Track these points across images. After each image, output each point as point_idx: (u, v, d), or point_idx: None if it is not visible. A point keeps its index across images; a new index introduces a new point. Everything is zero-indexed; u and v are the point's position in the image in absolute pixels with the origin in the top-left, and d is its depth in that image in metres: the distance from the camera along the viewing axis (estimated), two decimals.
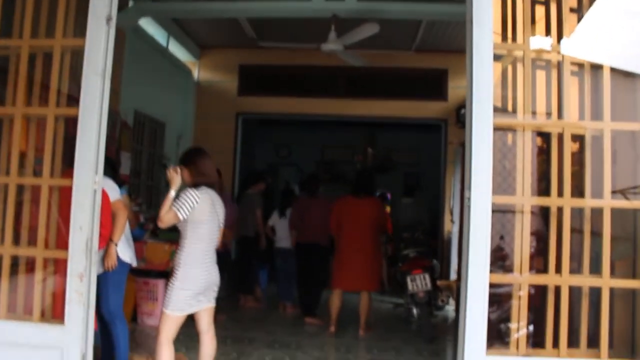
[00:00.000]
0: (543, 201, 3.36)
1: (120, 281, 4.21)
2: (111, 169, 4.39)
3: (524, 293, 3.24)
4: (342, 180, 12.13)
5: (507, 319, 3.33)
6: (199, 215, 3.64)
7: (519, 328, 3.24)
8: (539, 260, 3.47)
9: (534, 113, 3.38)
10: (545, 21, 3.42)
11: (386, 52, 8.39)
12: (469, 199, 3.14)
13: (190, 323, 3.76)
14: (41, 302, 3.40)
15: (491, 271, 3.13)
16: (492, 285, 3.14)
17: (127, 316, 5.62)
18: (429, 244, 7.57)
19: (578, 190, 3.31)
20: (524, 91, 3.29)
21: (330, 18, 6.52)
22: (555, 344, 3.18)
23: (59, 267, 3.40)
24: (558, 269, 3.18)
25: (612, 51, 3.22)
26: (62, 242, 3.34)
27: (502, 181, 3.56)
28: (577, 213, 3.29)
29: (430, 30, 8.04)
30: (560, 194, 3.23)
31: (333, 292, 6.25)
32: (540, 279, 3.29)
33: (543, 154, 3.58)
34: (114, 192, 4.15)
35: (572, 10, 3.44)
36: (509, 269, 3.38)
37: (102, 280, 4.04)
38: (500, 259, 3.79)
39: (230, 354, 5.09)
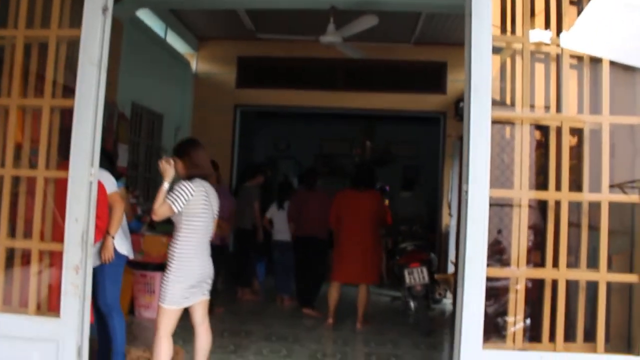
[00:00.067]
0: (541, 195, 3.36)
1: (117, 274, 4.20)
2: (108, 161, 4.37)
3: (521, 287, 3.24)
4: (340, 174, 12.13)
5: (504, 312, 3.33)
6: (194, 207, 3.62)
7: (516, 322, 3.24)
8: (536, 254, 3.46)
9: (532, 106, 3.37)
10: (545, 14, 3.40)
11: (385, 45, 8.36)
12: (467, 192, 3.13)
13: (186, 316, 3.75)
14: (37, 294, 3.39)
15: (489, 265, 3.13)
16: (489, 279, 3.14)
17: (125, 309, 5.62)
18: (426, 237, 7.56)
19: (576, 184, 3.30)
20: (523, 84, 3.27)
21: (328, 10, 6.48)
22: (552, 337, 3.18)
23: (55, 259, 3.39)
24: (555, 263, 3.18)
25: (612, 44, 3.20)
26: (58, 235, 3.32)
27: (500, 174, 3.56)
28: (575, 207, 3.28)
29: (430, 22, 8.00)
30: (558, 187, 3.22)
31: (331, 285, 6.25)
32: (537, 273, 3.29)
33: (541, 148, 3.57)
34: (111, 184, 4.13)
35: (571, 3, 3.42)
36: (506, 263, 3.38)
37: (99, 272, 4.03)
38: (497, 253, 3.78)
39: (228, 347, 5.09)
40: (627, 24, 2.98)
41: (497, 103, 3.43)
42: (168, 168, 3.69)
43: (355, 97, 9.33)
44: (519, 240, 3.23)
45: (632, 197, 3.30)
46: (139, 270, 6.00)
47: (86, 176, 3.24)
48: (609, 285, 3.20)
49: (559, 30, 3.34)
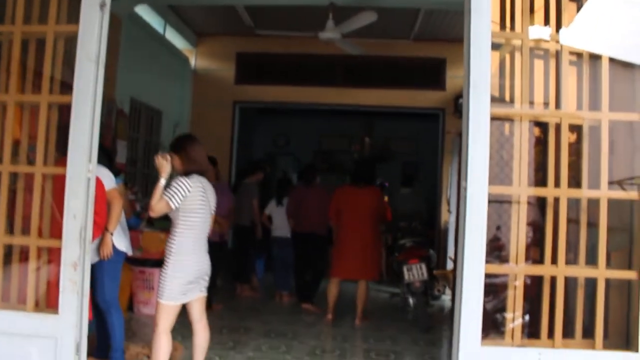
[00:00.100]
0: (540, 192, 3.36)
1: (115, 270, 4.19)
2: (107, 158, 4.36)
3: (519, 283, 3.24)
4: (339, 170, 12.12)
5: (503, 308, 3.33)
6: (191, 203, 3.60)
7: (514, 318, 3.25)
8: (535, 250, 3.47)
9: (531, 103, 3.36)
10: (544, 10, 3.40)
11: (384, 41, 8.35)
12: (466, 189, 3.12)
13: (185, 312, 3.75)
14: (35, 291, 3.39)
15: (487, 261, 3.13)
16: (488, 275, 3.14)
17: (124, 305, 5.62)
18: (425, 233, 7.55)
19: (575, 181, 3.30)
20: (522, 81, 3.27)
21: (327, 6, 6.45)
22: (550, 334, 3.18)
23: (53, 256, 3.39)
24: (554, 260, 3.18)
25: (611, 41, 3.19)
26: (57, 231, 3.32)
27: (500, 171, 3.55)
28: (574, 203, 3.28)
29: (429, 19, 7.98)
30: (557, 184, 3.22)
31: (331, 281, 6.26)
32: (536, 270, 3.29)
33: (540, 144, 3.56)
34: (109, 181, 4.12)
35: None
36: (505, 259, 3.38)
37: (97, 269, 4.03)
38: (496, 249, 3.78)
39: (227, 343, 5.09)
40: (627, 21, 2.97)
41: (497, 99, 3.43)
42: (164, 164, 3.67)
43: (354, 93, 9.31)
44: (518, 237, 3.23)
45: (631, 194, 3.30)
46: (137, 267, 5.99)
47: (84, 172, 3.24)
48: (608, 281, 3.21)
49: (558, 26, 3.34)
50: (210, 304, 6.07)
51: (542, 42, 3.37)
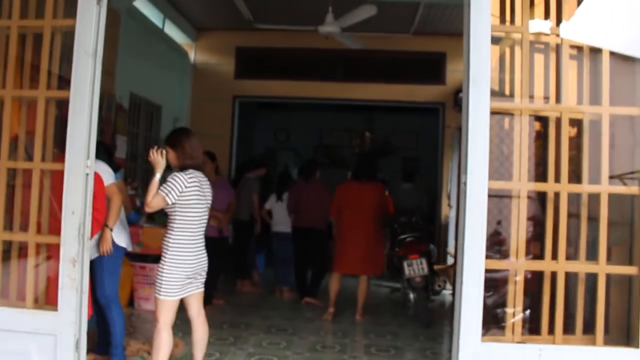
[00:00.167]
0: (540, 187, 3.34)
1: (115, 266, 4.19)
2: (106, 153, 4.36)
3: (520, 278, 3.23)
4: (340, 164, 12.10)
5: (503, 303, 3.32)
6: (187, 199, 3.58)
7: (515, 313, 3.24)
8: (535, 245, 3.45)
9: (531, 97, 3.34)
10: (545, 4, 3.37)
11: (384, 35, 8.31)
12: (465, 183, 3.11)
13: (185, 308, 3.74)
14: (34, 288, 3.38)
15: (488, 256, 3.12)
16: (488, 270, 3.13)
17: (124, 301, 5.63)
18: (426, 228, 7.54)
19: (575, 175, 3.28)
20: (522, 75, 3.25)
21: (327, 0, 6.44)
22: (551, 330, 3.17)
23: (52, 252, 3.38)
24: (554, 255, 3.16)
25: (612, 34, 3.17)
26: (56, 227, 3.31)
27: (500, 166, 3.54)
28: (574, 198, 3.27)
29: (429, 12, 7.95)
30: (557, 179, 3.20)
31: (332, 275, 6.26)
32: (536, 265, 3.28)
33: (540, 139, 3.54)
34: (109, 176, 4.11)
35: None
36: (505, 254, 3.37)
37: (97, 264, 4.04)
38: (497, 244, 3.77)
39: (227, 339, 5.09)
40: (628, 14, 2.95)
41: (496, 94, 3.41)
42: (159, 159, 3.65)
43: (354, 87, 9.29)
44: (518, 232, 3.22)
45: (631, 189, 3.29)
46: (138, 262, 5.99)
47: (82, 168, 3.22)
48: (609, 277, 3.19)
49: (558, 20, 3.31)
50: (210, 300, 6.09)
51: (542, 36, 3.34)
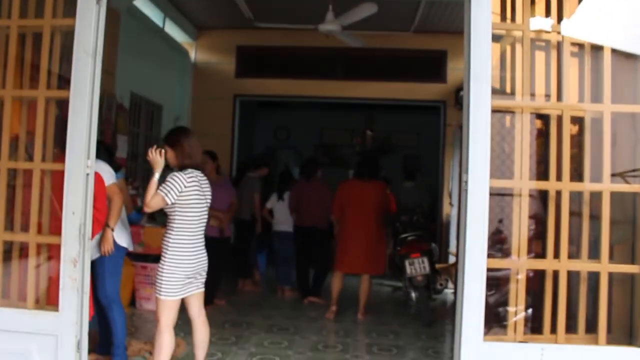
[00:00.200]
0: (541, 185, 3.32)
1: (116, 266, 4.19)
2: (107, 153, 4.35)
3: (521, 277, 3.21)
4: (341, 163, 12.09)
5: (505, 302, 3.31)
6: (187, 198, 3.57)
7: (517, 312, 3.23)
8: (537, 243, 3.44)
9: (532, 95, 3.33)
10: (545, 1, 3.36)
11: (384, 33, 8.30)
12: (466, 182, 3.10)
13: (185, 308, 3.74)
14: (35, 288, 3.37)
15: (489, 255, 3.10)
16: (490, 269, 3.11)
17: (126, 301, 5.63)
18: (427, 227, 7.52)
19: (577, 173, 3.27)
20: (523, 72, 3.23)
21: None
22: (553, 329, 3.16)
23: (53, 252, 3.37)
24: (556, 254, 3.15)
25: (613, 32, 3.16)
26: (57, 228, 3.30)
27: (501, 164, 3.53)
28: (576, 196, 3.25)
29: (429, 10, 7.93)
30: (559, 177, 3.19)
31: (335, 274, 6.26)
32: (538, 264, 3.26)
33: (542, 137, 3.53)
34: (109, 176, 4.10)
35: None
36: (507, 252, 3.36)
37: (98, 265, 4.03)
38: (498, 242, 3.76)
39: (229, 339, 5.09)
40: (629, 11, 2.93)
41: (497, 92, 3.40)
42: (158, 159, 3.64)
43: (354, 86, 9.27)
44: (520, 230, 3.21)
45: (633, 187, 3.27)
46: (139, 262, 5.98)
47: (82, 168, 3.22)
48: (611, 275, 3.18)
49: (559, 17, 3.30)
50: (212, 300, 6.09)
51: (544, 33, 3.33)
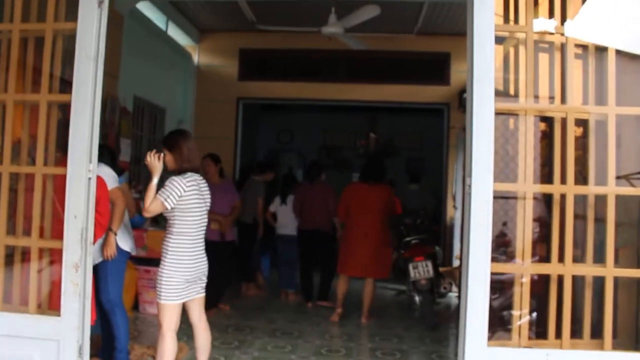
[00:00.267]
0: (546, 189, 3.30)
1: (119, 270, 4.18)
2: (110, 156, 4.35)
3: (526, 280, 3.19)
4: (344, 166, 12.08)
5: (509, 306, 3.29)
6: (186, 203, 3.55)
7: (521, 317, 3.20)
8: (541, 246, 3.41)
9: (536, 97, 3.31)
10: (549, 2, 3.33)
11: (388, 36, 8.28)
12: (470, 186, 3.07)
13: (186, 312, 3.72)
14: (37, 293, 3.36)
15: (493, 258, 3.08)
16: (494, 272, 3.09)
17: (129, 304, 5.62)
18: (431, 230, 7.50)
19: (582, 176, 3.24)
20: (527, 75, 3.21)
21: (330, 0, 6.41)
22: (558, 334, 3.12)
23: (55, 257, 3.36)
24: (561, 258, 3.12)
25: (618, 33, 3.14)
26: (59, 232, 3.29)
27: (505, 166, 3.50)
28: (581, 199, 3.22)
29: (432, 12, 7.91)
30: (563, 180, 3.16)
31: (340, 277, 6.26)
32: (542, 268, 3.23)
33: (546, 139, 3.51)
34: (112, 180, 4.10)
35: None
36: (511, 256, 3.33)
37: (101, 269, 4.02)
38: (502, 245, 3.74)
39: (232, 343, 5.07)
40: (633, 12, 2.91)
41: (501, 94, 3.37)
42: (156, 163, 3.61)
43: (357, 88, 9.26)
44: (524, 234, 3.18)
45: (639, 190, 3.24)
46: (142, 266, 5.98)
47: (84, 172, 3.21)
48: (616, 279, 3.15)
49: (563, 18, 3.27)
50: (217, 304, 6.08)
51: (547, 35, 3.31)
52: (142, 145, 7.96)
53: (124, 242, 4.17)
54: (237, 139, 9.47)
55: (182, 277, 3.53)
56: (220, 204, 5.94)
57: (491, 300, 3.07)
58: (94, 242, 3.60)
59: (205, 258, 3.71)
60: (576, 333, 3.13)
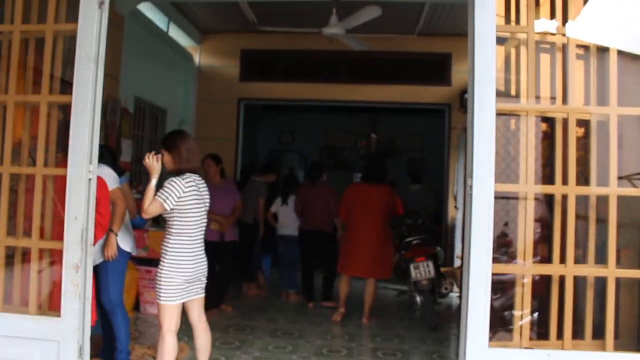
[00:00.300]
0: (547, 189, 3.29)
1: (120, 270, 4.17)
2: (111, 158, 4.35)
3: (527, 281, 3.18)
4: (345, 167, 12.08)
5: (511, 307, 3.28)
6: (186, 204, 3.53)
7: (523, 317, 3.19)
8: (543, 246, 3.41)
9: (538, 98, 3.30)
10: (550, 3, 3.33)
11: (389, 37, 8.28)
12: (471, 187, 3.07)
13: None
14: (38, 294, 3.36)
15: (495, 258, 3.07)
16: (496, 274, 3.08)
17: (130, 305, 5.62)
18: (432, 230, 7.49)
19: (583, 177, 3.23)
20: (528, 75, 3.20)
21: (331, 1, 6.41)
22: (560, 335, 3.12)
23: (56, 258, 3.36)
24: (563, 259, 3.11)
25: (619, 34, 3.13)
26: (59, 233, 3.29)
27: (506, 167, 3.50)
28: (583, 200, 3.22)
29: (434, 13, 7.91)
30: (565, 181, 3.15)
31: (342, 277, 6.26)
32: (544, 270, 3.23)
33: (548, 140, 3.50)
34: (113, 181, 4.10)
35: None
36: (513, 256, 3.33)
37: (102, 270, 4.02)
38: (504, 246, 3.73)
39: (233, 343, 5.06)
40: (635, 13, 2.90)
41: (502, 95, 3.36)
42: (155, 164, 3.60)
43: (359, 89, 9.25)
44: (526, 234, 3.17)
45: None
46: (144, 267, 5.97)
47: (84, 174, 3.21)
48: (618, 280, 3.14)
49: (565, 19, 3.27)
50: (219, 305, 6.08)
51: (549, 36, 3.30)
52: (144, 146, 7.96)
53: (125, 242, 4.17)
54: (238, 140, 9.47)
55: (181, 278, 3.52)
56: (222, 205, 5.94)
57: (492, 300, 3.06)
58: (95, 243, 3.60)
59: (205, 259, 3.70)
60: (578, 334, 3.12)
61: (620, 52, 3.21)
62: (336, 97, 9.38)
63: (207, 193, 3.75)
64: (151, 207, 3.50)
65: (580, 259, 3.20)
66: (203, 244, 3.69)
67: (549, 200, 3.35)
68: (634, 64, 3.32)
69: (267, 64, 9.59)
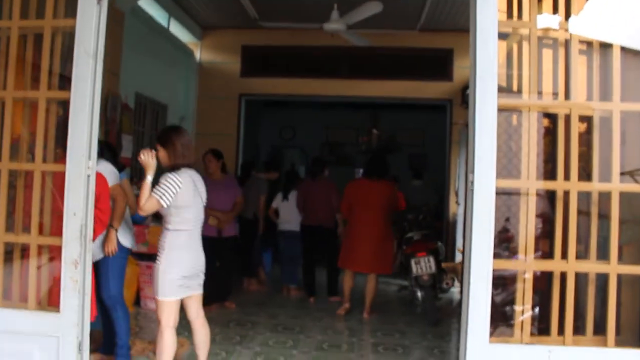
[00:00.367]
0: (549, 185, 3.27)
1: (120, 266, 4.17)
2: (111, 153, 4.34)
3: (528, 276, 3.17)
4: (346, 162, 12.07)
5: (511, 302, 3.27)
6: (182, 199, 3.52)
7: (524, 313, 3.18)
8: (544, 242, 3.39)
9: (540, 93, 3.28)
10: None
11: (390, 32, 8.26)
12: (472, 182, 3.05)
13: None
14: (37, 289, 3.35)
15: (496, 254, 3.06)
16: (497, 269, 3.07)
17: (130, 300, 5.62)
18: (433, 226, 7.48)
19: (585, 172, 3.22)
20: (530, 71, 3.18)
21: None
22: (561, 331, 3.10)
23: (55, 253, 3.35)
24: (564, 255, 3.10)
25: (622, 29, 3.11)
26: (59, 229, 3.28)
27: (508, 162, 3.48)
28: (584, 196, 3.20)
29: (435, 8, 7.88)
30: (567, 177, 3.13)
31: (345, 272, 6.27)
32: (545, 265, 3.21)
33: (549, 136, 3.48)
34: (113, 177, 4.09)
35: None
36: (514, 251, 3.31)
37: (102, 265, 4.02)
38: (505, 241, 3.72)
39: (233, 338, 5.06)
40: (638, 8, 2.88)
41: (504, 90, 3.34)
42: (150, 160, 3.58)
43: (360, 85, 9.24)
44: (527, 230, 3.16)
45: None
46: (144, 262, 5.96)
47: (83, 170, 3.19)
48: (620, 276, 3.12)
49: (567, 14, 3.24)
50: (223, 301, 6.09)
51: (551, 31, 3.27)
52: (144, 142, 7.95)
53: (125, 238, 4.17)
54: (239, 135, 9.47)
55: (178, 273, 3.51)
56: (223, 200, 5.93)
57: (493, 296, 3.05)
58: (95, 239, 3.60)
59: (203, 254, 3.69)
60: (579, 330, 3.11)
61: (623, 48, 3.19)
62: (337, 92, 9.36)
63: (203, 188, 3.74)
64: (147, 203, 3.48)
65: (582, 255, 3.18)
66: (200, 240, 3.68)
67: (550, 196, 3.33)
68: (637, 59, 3.30)
69: (268, 60, 9.58)
